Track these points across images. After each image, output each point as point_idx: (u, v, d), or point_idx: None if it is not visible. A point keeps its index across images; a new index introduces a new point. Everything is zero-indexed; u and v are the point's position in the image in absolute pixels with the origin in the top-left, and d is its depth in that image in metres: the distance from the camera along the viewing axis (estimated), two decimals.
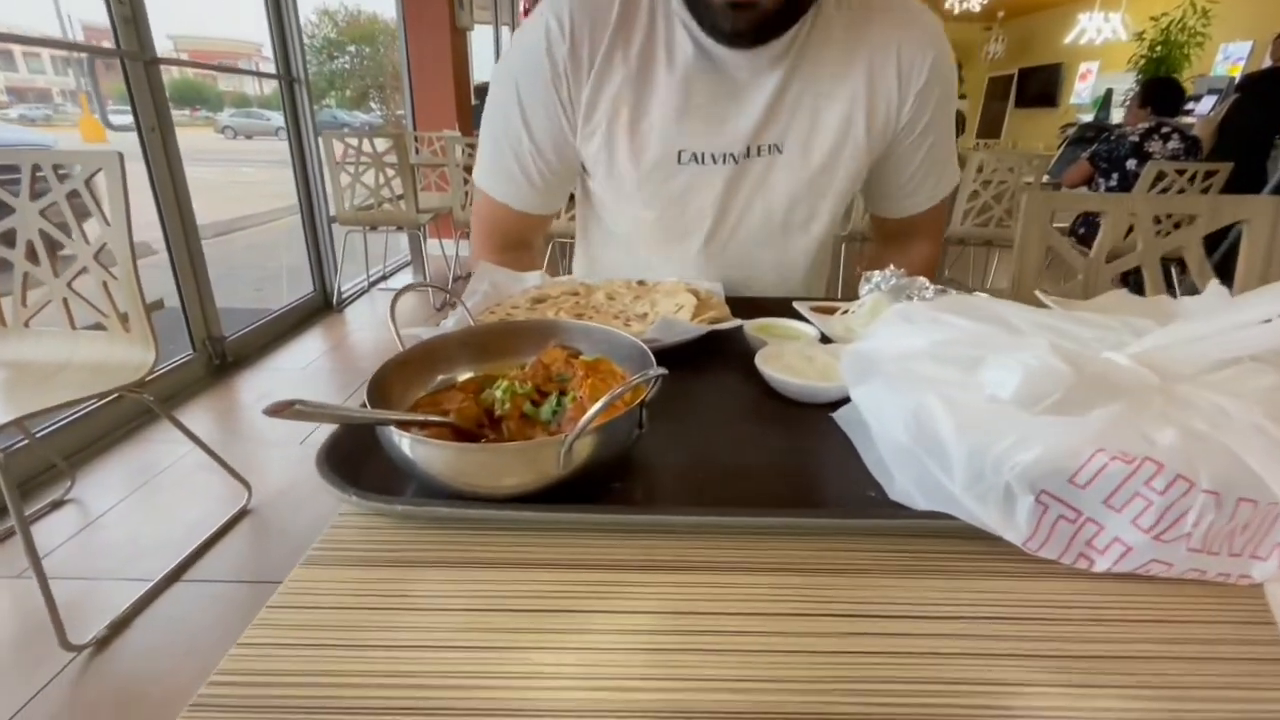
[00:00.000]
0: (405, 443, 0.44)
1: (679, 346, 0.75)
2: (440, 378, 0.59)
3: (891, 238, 1.10)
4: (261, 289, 4.05)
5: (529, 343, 0.65)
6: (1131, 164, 3.40)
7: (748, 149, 0.90)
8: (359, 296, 3.92)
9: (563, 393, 0.57)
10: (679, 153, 0.90)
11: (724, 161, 0.90)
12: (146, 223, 2.56)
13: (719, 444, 0.59)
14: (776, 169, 0.92)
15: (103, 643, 1.47)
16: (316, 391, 2.64)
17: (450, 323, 0.78)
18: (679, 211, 0.94)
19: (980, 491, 0.44)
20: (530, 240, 1.08)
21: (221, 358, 2.77)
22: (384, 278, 4.26)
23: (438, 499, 0.46)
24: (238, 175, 8.81)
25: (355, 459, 0.50)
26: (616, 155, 0.91)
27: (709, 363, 0.77)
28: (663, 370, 0.44)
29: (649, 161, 0.90)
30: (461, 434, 0.51)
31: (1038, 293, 0.86)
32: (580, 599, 0.41)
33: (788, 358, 0.68)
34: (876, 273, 0.92)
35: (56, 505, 1.90)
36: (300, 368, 2.90)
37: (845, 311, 0.87)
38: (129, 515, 1.89)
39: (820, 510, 0.48)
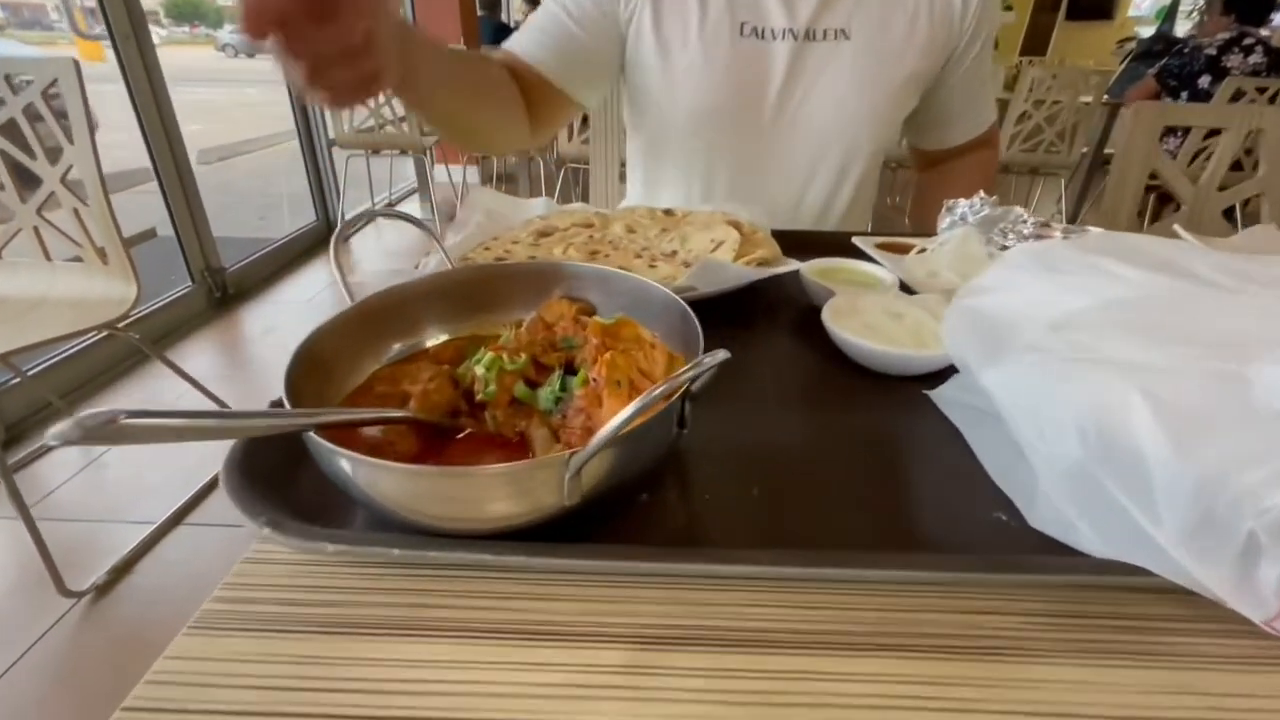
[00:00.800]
0: (339, 461, 0.28)
1: (719, 296, 0.58)
2: (397, 346, 0.44)
3: (939, 162, 0.98)
4: (265, 217, 3.87)
5: (525, 292, 0.48)
6: (1204, 81, 3.03)
7: (809, 31, 0.82)
8: (364, 225, 3.75)
9: (570, 367, 0.41)
10: (741, 24, 0.81)
11: (784, 38, 0.81)
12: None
13: (778, 435, 0.43)
14: (841, 57, 0.82)
15: (103, 588, 1.41)
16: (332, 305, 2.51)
17: (430, 267, 0.61)
18: (735, 93, 0.84)
19: (1206, 541, 0.28)
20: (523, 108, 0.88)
21: (222, 290, 2.64)
22: (389, 204, 4.06)
23: (390, 533, 0.31)
24: (240, 96, 8.38)
25: (288, 462, 0.35)
26: (672, 22, 0.82)
27: (757, 318, 0.61)
28: (724, 353, 0.28)
29: (709, 28, 0.81)
30: (426, 430, 0.36)
31: (1176, 227, 0.68)
32: (592, 696, 0.27)
33: (866, 314, 0.51)
34: (961, 201, 0.73)
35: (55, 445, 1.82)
36: (305, 300, 2.76)
37: (922, 250, 0.69)
38: (130, 455, 1.81)
39: (951, 558, 0.32)
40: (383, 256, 3.19)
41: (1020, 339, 0.37)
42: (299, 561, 0.33)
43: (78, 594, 1.38)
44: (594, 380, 0.35)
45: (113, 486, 1.71)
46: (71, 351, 2.02)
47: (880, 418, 0.46)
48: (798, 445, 0.43)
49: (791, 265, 0.59)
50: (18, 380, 1.85)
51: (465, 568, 0.32)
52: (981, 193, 0.72)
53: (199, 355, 2.32)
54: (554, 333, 0.44)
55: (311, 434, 0.29)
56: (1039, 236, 0.69)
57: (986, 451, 0.41)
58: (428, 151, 3.35)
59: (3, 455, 1.28)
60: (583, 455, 0.27)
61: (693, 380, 0.27)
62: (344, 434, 0.34)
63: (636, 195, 1.00)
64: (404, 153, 3.40)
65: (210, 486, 1.71)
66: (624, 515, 0.35)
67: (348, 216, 3.37)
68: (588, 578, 0.32)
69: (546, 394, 0.37)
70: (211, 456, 1.79)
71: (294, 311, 2.67)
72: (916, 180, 1.04)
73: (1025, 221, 0.71)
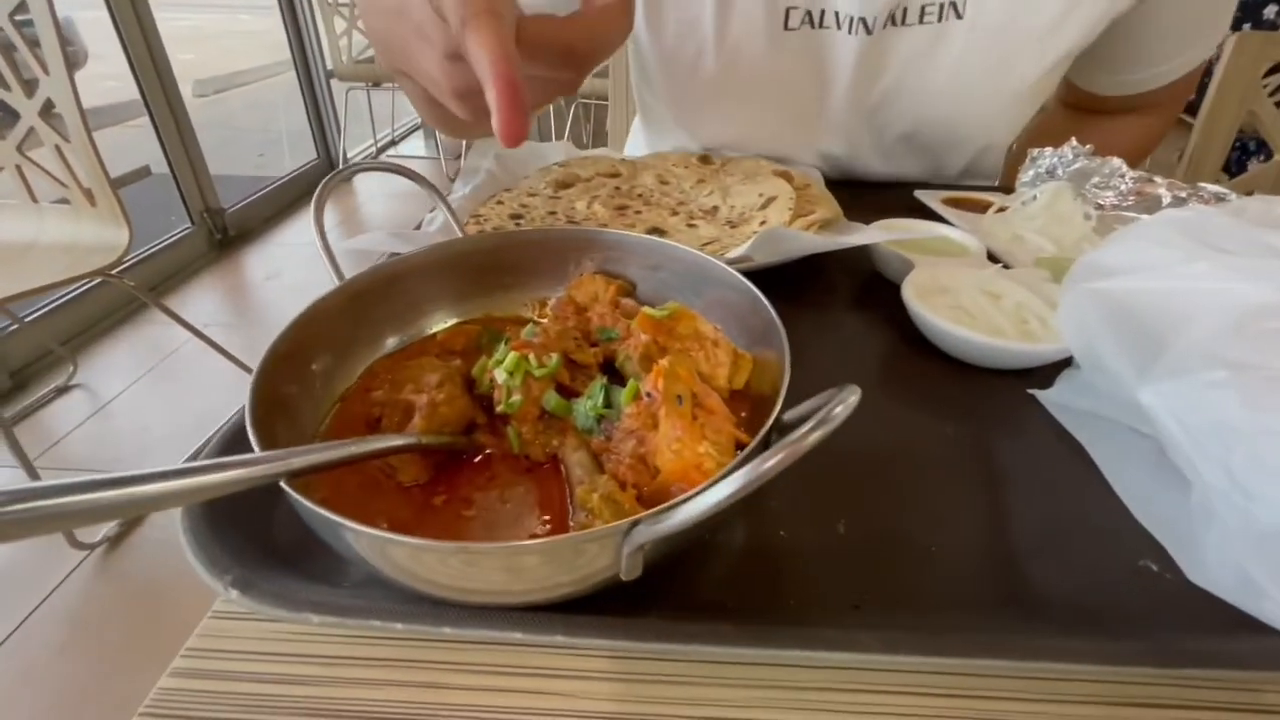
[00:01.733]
0: (324, 525, 0.21)
1: (769, 267, 0.49)
2: (391, 340, 0.36)
3: (1095, 110, 0.77)
4: (264, 154, 3.70)
5: (549, 265, 0.41)
6: (1271, 11, 2.76)
7: (892, 14, 0.60)
8: (351, 177, 3.58)
9: (609, 366, 0.33)
10: (787, 11, 0.62)
11: (854, 30, 0.61)
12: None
13: (859, 448, 0.36)
14: (948, 43, 0.61)
15: (115, 540, 1.39)
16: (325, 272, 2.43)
17: (435, 226, 0.52)
18: (779, 108, 0.68)
19: None
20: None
21: (223, 232, 2.53)
22: (393, 143, 3.86)
23: (394, 601, 0.24)
24: (233, 22, 7.91)
25: (266, 501, 0.28)
26: (682, 16, 0.64)
27: (814, 293, 0.52)
28: (854, 394, 0.20)
29: (740, 24, 0.62)
30: (435, 452, 0.29)
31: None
32: None
33: (958, 293, 0.42)
34: (1048, 150, 0.63)
35: (61, 391, 1.78)
36: (307, 242, 2.66)
37: (1002, 208, 0.59)
38: (137, 403, 1.77)
39: (1129, 648, 0.24)
40: (385, 200, 3.06)
41: (1192, 343, 0.29)
42: (268, 637, 0.26)
43: (89, 546, 1.36)
44: (648, 396, 0.27)
45: (121, 436, 1.68)
46: (69, 297, 1.94)
47: (979, 424, 0.38)
48: (884, 462, 0.35)
49: (867, 232, 0.50)
50: (16, 327, 1.79)
51: (483, 645, 0.25)
52: (1073, 140, 0.61)
53: (201, 301, 2.24)
54: (587, 319, 0.36)
55: (284, 485, 0.21)
56: (1139, 194, 0.59)
57: (1122, 476, 0.33)
58: None
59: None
60: (651, 531, 0.19)
61: (810, 430, 0.19)
62: (313, 493, 0.26)
63: (654, 143, 0.88)
64: None
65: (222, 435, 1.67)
66: (681, 561, 0.28)
67: (349, 155, 3.25)
68: (640, 657, 0.25)
69: (586, 410, 0.29)
70: (222, 404, 1.75)
71: (298, 255, 2.57)
72: (1054, 111, 0.82)
73: (1124, 175, 0.60)
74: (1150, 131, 0.75)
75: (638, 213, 0.60)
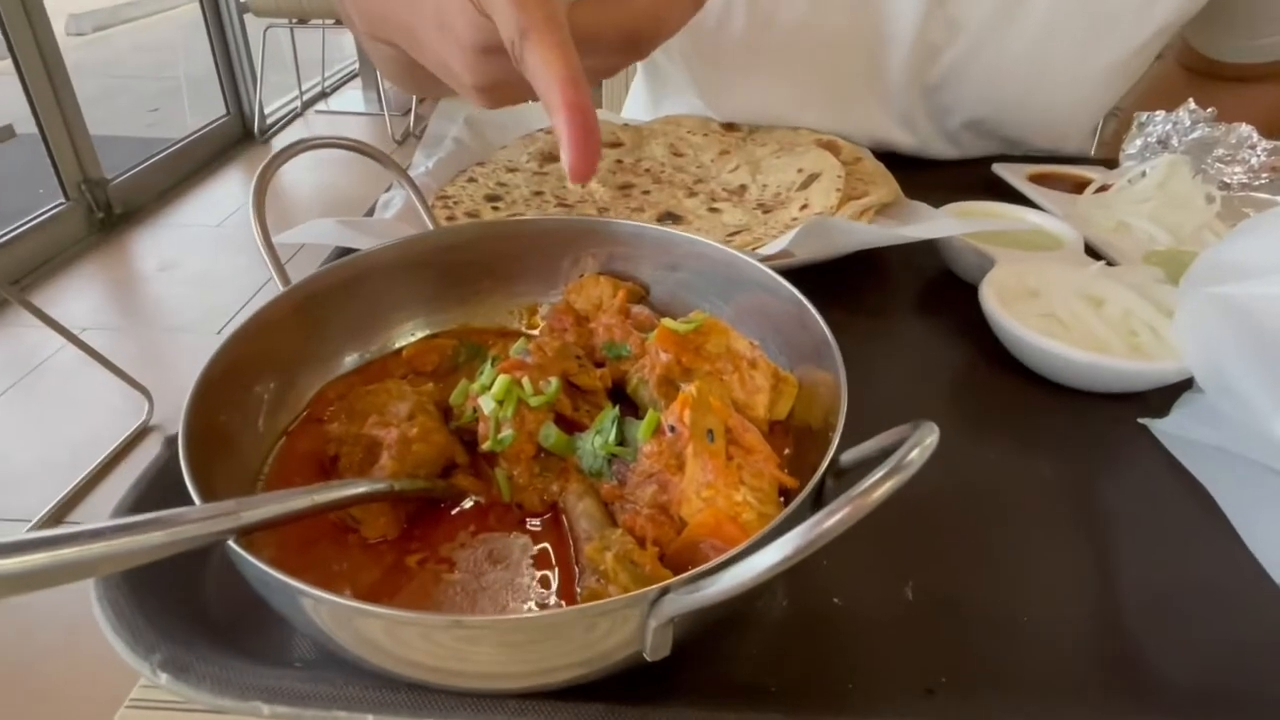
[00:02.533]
0: (280, 594, 0.22)
1: (818, 264, 0.50)
2: (349, 359, 0.37)
3: (1219, 76, 0.80)
4: (159, 110, 3.73)
5: (539, 262, 0.42)
6: None
7: None
8: (290, 121, 3.61)
9: (619, 391, 0.34)
10: None
11: None
12: None
13: (929, 491, 0.36)
14: (1029, 7, 0.65)
15: None
16: (238, 261, 2.44)
17: (393, 211, 0.54)
18: (820, 80, 0.70)
19: None
20: None
21: (105, 209, 2.55)
22: (323, 95, 3.90)
23: (361, 688, 0.25)
24: None
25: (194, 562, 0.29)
26: None
27: (870, 294, 0.54)
28: (933, 433, 0.21)
29: None
30: (407, 500, 0.30)
31: None
32: None
33: (1053, 298, 0.44)
34: (1160, 115, 0.64)
35: None
36: (214, 224, 2.68)
37: (1103, 187, 0.61)
38: None
39: None
40: (316, 169, 3.08)
41: None
42: (219, 713, 0.27)
43: None
44: (670, 430, 0.28)
45: None
46: None
47: (1077, 462, 0.39)
48: (961, 510, 0.36)
49: (936, 221, 0.51)
50: None
51: None
52: (1190, 102, 0.63)
53: (78, 297, 2.25)
54: (589, 332, 0.37)
55: (232, 544, 0.22)
56: (1275, 170, 0.61)
57: (1256, 527, 0.34)
58: None
59: None
60: (685, 602, 0.20)
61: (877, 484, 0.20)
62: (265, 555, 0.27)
63: (660, 103, 0.89)
64: (338, 22, 3.25)
65: (99, 474, 1.67)
66: (713, 635, 0.29)
67: (267, 111, 3.27)
68: None
69: (594, 447, 0.30)
70: (105, 430, 1.75)
71: (201, 239, 2.59)
72: (1169, 74, 0.85)
73: (1255, 146, 0.62)
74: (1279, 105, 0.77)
75: (645, 193, 0.61)
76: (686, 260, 0.40)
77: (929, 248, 0.55)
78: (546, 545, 0.30)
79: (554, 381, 0.32)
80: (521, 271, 0.42)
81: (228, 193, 2.95)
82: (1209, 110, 0.63)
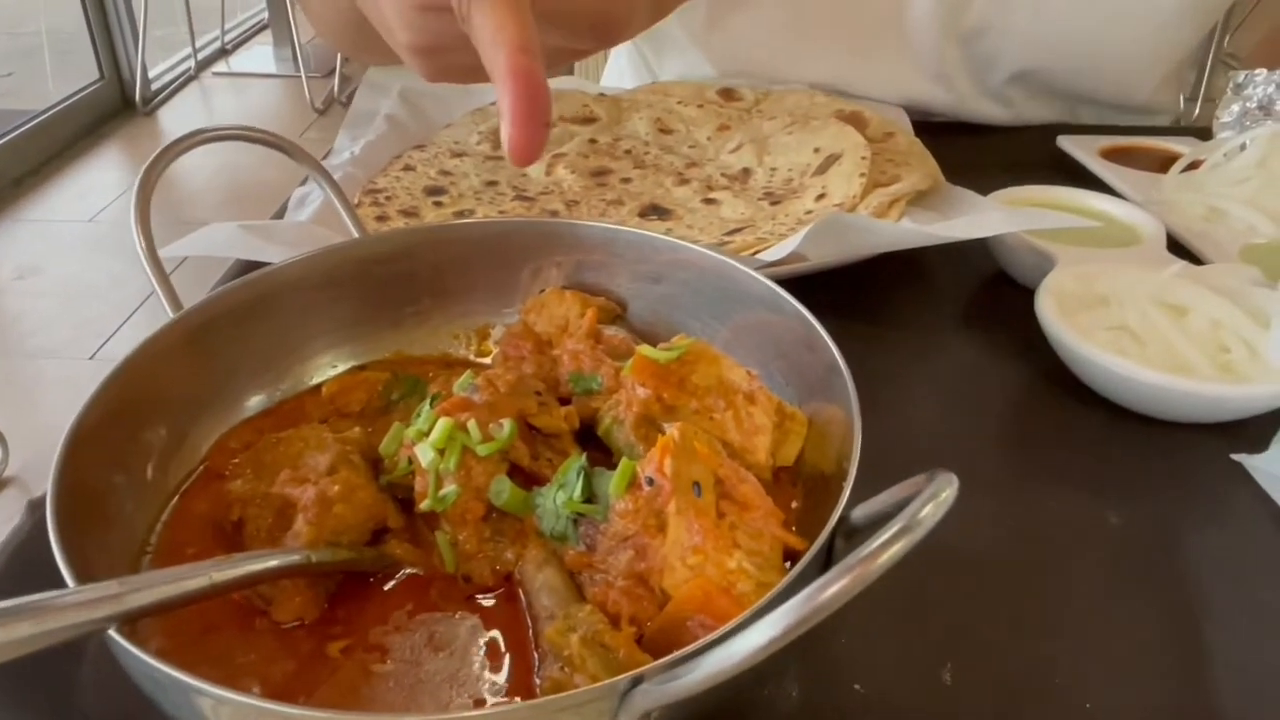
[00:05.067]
0: (182, 694, 0.23)
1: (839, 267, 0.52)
2: (254, 399, 0.38)
3: None
4: (13, 74, 3.76)
5: (491, 274, 0.45)
6: None
7: None
8: (182, 86, 3.63)
9: (588, 434, 0.36)
10: None
11: None
12: None
13: (972, 549, 0.39)
14: None
15: None
16: (116, 265, 2.46)
17: (310, 210, 0.56)
18: (837, 24, 0.75)
19: None
20: None
21: None
22: (223, 53, 3.94)
23: None
24: None
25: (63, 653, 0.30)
26: None
27: (901, 303, 0.56)
28: (950, 485, 0.23)
29: None
30: (322, 582, 0.31)
31: None
32: None
33: (1125, 307, 0.46)
34: (1260, 74, 0.67)
35: None
36: (85, 219, 2.70)
37: (1194, 164, 0.63)
38: None
39: None
40: (217, 152, 3.10)
41: None
42: None
43: None
44: (649, 483, 0.30)
45: None
46: None
47: (1156, 508, 0.41)
48: (1011, 572, 0.38)
49: (982, 215, 0.53)
50: None
51: None
52: None
53: None
54: (553, 360, 0.39)
55: (114, 635, 0.24)
56: None
57: None
58: None
59: None
60: (661, 694, 0.22)
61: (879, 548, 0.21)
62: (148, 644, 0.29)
63: (650, 67, 0.92)
64: None
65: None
66: None
67: (152, 75, 3.29)
68: None
69: (557, 505, 0.32)
70: None
71: (69, 239, 2.61)
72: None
73: None
74: None
75: (625, 181, 0.64)
76: (671, 270, 0.41)
77: (979, 245, 0.57)
78: (499, 627, 0.31)
79: (507, 424, 0.33)
80: (469, 286, 0.44)
81: (103, 179, 2.96)
82: None
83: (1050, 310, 0.46)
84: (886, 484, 0.42)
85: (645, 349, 0.35)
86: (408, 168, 0.64)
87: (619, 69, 0.97)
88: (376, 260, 0.42)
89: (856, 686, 0.33)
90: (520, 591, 0.32)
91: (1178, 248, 0.56)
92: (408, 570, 0.33)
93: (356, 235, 0.43)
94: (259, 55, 3.94)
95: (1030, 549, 0.39)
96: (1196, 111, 0.83)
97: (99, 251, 2.58)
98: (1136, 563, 0.38)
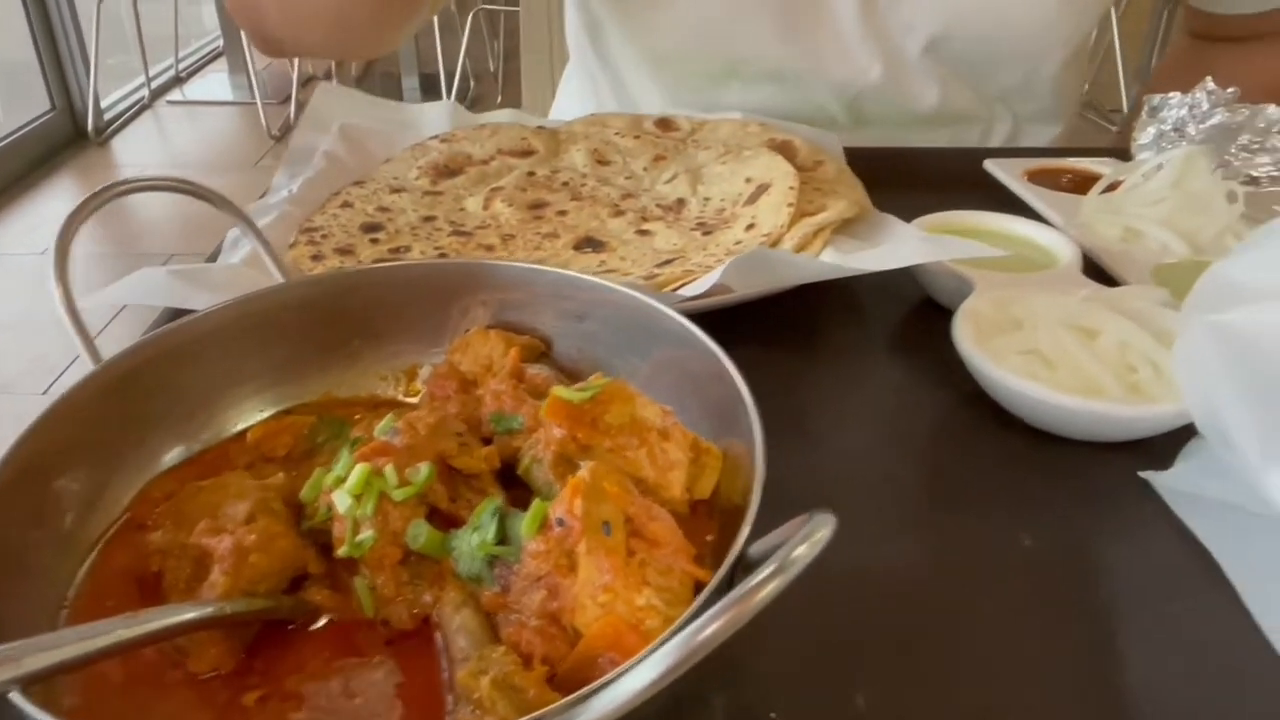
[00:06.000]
0: None
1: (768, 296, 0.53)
2: (174, 450, 0.39)
3: (1223, 36, 0.89)
4: None
5: (420, 314, 0.45)
6: None
7: None
8: (136, 115, 3.63)
9: (510, 472, 0.37)
10: None
11: None
12: None
13: (887, 570, 0.40)
14: None
15: None
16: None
17: (242, 253, 0.56)
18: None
19: None
20: None
21: None
22: (178, 80, 3.93)
23: None
24: None
25: None
26: None
27: (826, 326, 0.57)
28: (827, 525, 0.24)
29: None
30: (239, 633, 0.31)
31: None
32: None
33: (1034, 329, 0.47)
34: (1174, 97, 0.69)
35: None
36: (38, 251, 2.67)
37: (1112, 185, 0.65)
38: None
39: None
40: (175, 169, 3.08)
41: None
42: None
43: None
44: (559, 523, 0.31)
45: None
46: None
47: (1068, 528, 0.42)
48: (927, 595, 0.39)
49: (902, 244, 0.54)
50: None
51: None
52: (1209, 82, 0.68)
53: None
54: (477, 400, 0.40)
55: (15, 698, 0.24)
56: None
57: (1264, 599, 0.37)
58: None
59: None
60: None
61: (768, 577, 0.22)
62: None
63: (599, 95, 0.94)
64: None
65: None
66: None
67: (105, 105, 3.26)
68: None
69: (471, 547, 0.32)
70: None
71: (20, 272, 2.57)
72: (1178, 44, 0.97)
73: None
74: None
75: (561, 214, 0.64)
76: (593, 307, 0.42)
77: (906, 270, 0.59)
78: (416, 670, 0.31)
79: (424, 468, 0.34)
80: (397, 327, 0.44)
81: (55, 210, 2.93)
82: (1230, 90, 0.68)
83: (966, 335, 0.48)
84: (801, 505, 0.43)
85: (559, 390, 0.35)
86: (346, 205, 0.64)
87: (568, 102, 0.99)
88: (302, 304, 0.43)
89: (772, 715, 0.33)
90: (437, 634, 0.32)
91: (1097, 269, 0.58)
92: (326, 616, 0.33)
93: (279, 282, 0.43)
94: (214, 83, 3.92)
95: (945, 573, 0.40)
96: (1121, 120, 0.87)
97: (40, 289, 2.56)
98: (1049, 583, 0.40)
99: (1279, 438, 0.35)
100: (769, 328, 0.56)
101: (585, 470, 0.32)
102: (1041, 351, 0.47)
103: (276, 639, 0.33)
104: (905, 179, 0.73)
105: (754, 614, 0.22)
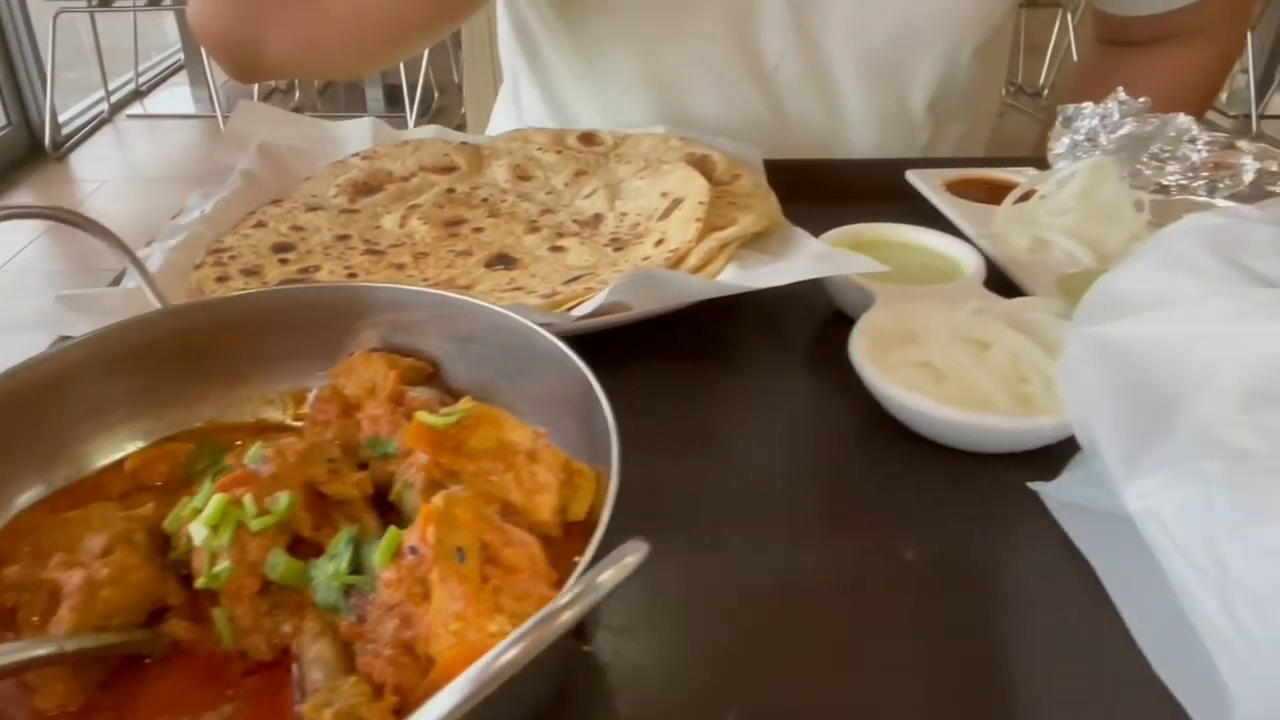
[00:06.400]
0: None
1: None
2: (52, 479, 0.38)
3: (1131, 41, 0.92)
4: None
5: (310, 337, 0.44)
6: None
7: None
8: (95, 129, 3.60)
9: (382, 497, 0.36)
10: None
11: None
12: None
13: (769, 586, 0.40)
14: None
15: None
16: (28, 313, 2.39)
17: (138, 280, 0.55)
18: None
19: None
20: None
21: None
22: (137, 95, 3.90)
23: None
24: None
25: None
26: None
27: (732, 340, 0.57)
28: (636, 553, 0.24)
29: None
30: (98, 661, 0.31)
31: None
32: None
33: (928, 342, 0.47)
34: (1087, 107, 0.70)
35: None
36: None
37: (1025, 195, 0.66)
38: None
39: None
40: (136, 184, 3.05)
41: (1196, 421, 0.34)
42: None
43: None
44: (411, 552, 0.30)
45: None
46: None
47: (953, 541, 0.43)
48: (803, 611, 0.39)
49: (797, 260, 0.54)
50: None
51: None
52: (1120, 91, 0.69)
53: None
54: (358, 425, 0.39)
55: None
56: (1218, 166, 0.67)
57: (1137, 608, 0.37)
58: None
59: None
60: None
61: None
62: None
63: (536, 111, 0.95)
64: (154, 3, 3.25)
65: None
66: None
67: (66, 118, 3.26)
68: None
69: (328, 576, 0.32)
70: None
71: None
72: (1092, 51, 0.99)
73: (1195, 140, 0.68)
74: (1199, 66, 0.89)
75: (478, 231, 0.64)
76: (477, 329, 0.42)
77: (818, 281, 0.59)
78: (271, 703, 0.31)
79: (284, 497, 0.33)
80: (283, 352, 0.44)
81: (12, 227, 2.90)
82: (1141, 100, 0.69)
83: (861, 349, 0.48)
84: (703, 530, 0.43)
85: (422, 415, 0.35)
86: (260, 224, 0.64)
87: (506, 116, 1.00)
88: (181, 331, 0.42)
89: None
90: (293, 665, 0.32)
91: (1006, 280, 0.58)
92: (188, 648, 0.33)
93: (157, 308, 0.43)
94: (175, 96, 3.90)
95: (831, 588, 0.40)
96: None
97: (9, 298, 2.53)
98: (933, 596, 0.40)
99: (1141, 449, 0.35)
100: (683, 342, 0.56)
101: (438, 498, 0.31)
102: (934, 364, 0.47)
103: (134, 673, 0.32)
104: (828, 189, 0.73)
105: (555, 638, 0.22)
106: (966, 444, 0.46)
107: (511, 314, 0.40)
